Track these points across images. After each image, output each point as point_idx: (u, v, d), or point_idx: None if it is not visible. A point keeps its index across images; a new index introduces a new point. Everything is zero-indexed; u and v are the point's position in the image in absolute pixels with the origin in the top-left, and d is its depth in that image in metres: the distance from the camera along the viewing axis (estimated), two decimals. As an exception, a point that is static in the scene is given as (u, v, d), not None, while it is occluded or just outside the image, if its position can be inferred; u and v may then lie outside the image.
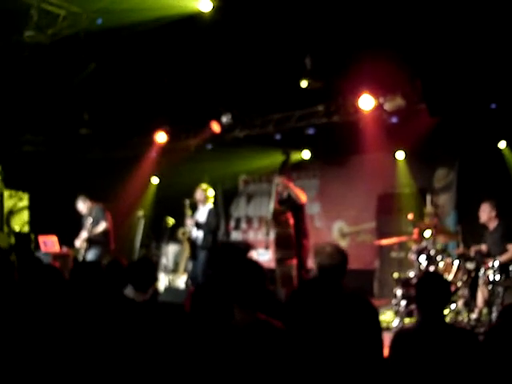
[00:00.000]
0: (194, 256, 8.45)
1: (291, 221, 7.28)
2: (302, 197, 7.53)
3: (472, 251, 7.39)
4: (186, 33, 7.48)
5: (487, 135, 8.37)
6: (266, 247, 7.25)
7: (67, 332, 3.22)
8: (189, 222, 8.51)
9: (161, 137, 11.01)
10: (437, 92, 7.52)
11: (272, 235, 7.28)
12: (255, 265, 3.22)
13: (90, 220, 8.77)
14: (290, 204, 7.47)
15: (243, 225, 12.10)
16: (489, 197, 7.53)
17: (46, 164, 11.16)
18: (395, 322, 7.30)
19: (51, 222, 10.15)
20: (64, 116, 10.22)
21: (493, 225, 7.33)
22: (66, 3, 7.32)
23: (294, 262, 7.08)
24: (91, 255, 8.76)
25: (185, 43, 7.74)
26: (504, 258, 6.98)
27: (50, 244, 9.43)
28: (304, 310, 3.30)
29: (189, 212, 8.58)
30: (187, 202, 8.62)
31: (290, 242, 7.21)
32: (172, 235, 9.59)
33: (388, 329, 7.13)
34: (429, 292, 3.32)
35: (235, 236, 12.08)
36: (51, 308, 3.39)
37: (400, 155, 9.58)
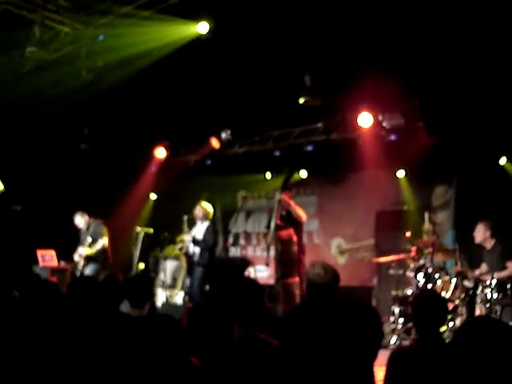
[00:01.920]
0: (190, 272, 8.46)
1: (295, 238, 7.25)
2: (303, 215, 7.54)
3: (469, 274, 7.36)
4: (187, 49, 7.54)
5: (486, 152, 8.39)
6: (267, 264, 7.18)
7: (62, 347, 3.21)
8: (186, 237, 8.53)
9: (160, 152, 11.05)
10: (435, 111, 7.56)
11: (273, 252, 7.23)
12: (253, 283, 3.22)
13: (88, 238, 8.78)
14: (290, 221, 7.46)
15: (242, 241, 12.09)
16: (487, 215, 7.55)
17: (46, 178, 11.17)
18: (393, 340, 7.28)
19: (50, 237, 10.14)
20: (64, 130, 10.25)
21: (489, 244, 7.33)
22: (69, 20, 7.39)
23: (297, 279, 7.04)
24: (89, 271, 8.77)
25: (186, 59, 7.80)
26: (502, 274, 6.97)
27: (48, 258, 9.42)
28: (297, 328, 3.31)
29: (186, 228, 8.61)
30: (185, 218, 8.66)
31: (293, 259, 7.16)
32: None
33: (385, 347, 7.12)
34: (425, 310, 3.32)
35: (233, 252, 12.06)
36: (48, 323, 3.38)
37: (401, 173, 9.59)
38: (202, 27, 7.09)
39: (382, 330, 2.78)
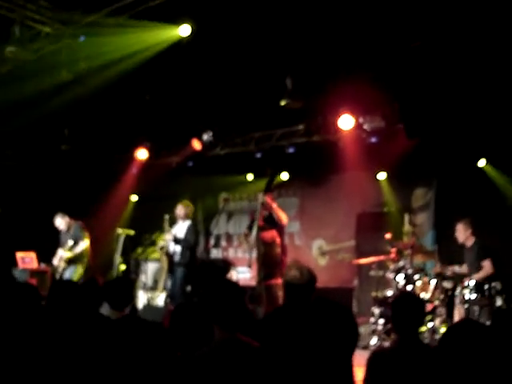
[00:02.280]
0: (171, 271, 8.42)
1: (278, 240, 7.26)
2: (284, 218, 7.57)
3: (449, 271, 7.47)
4: (169, 50, 7.53)
5: (465, 154, 8.50)
6: (249, 266, 7.18)
7: (42, 350, 3.19)
8: (167, 236, 8.50)
9: (142, 154, 11.00)
10: (414, 114, 7.66)
11: (255, 253, 7.23)
12: (234, 285, 3.23)
13: (69, 241, 8.72)
14: (272, 223, 7.49)
15: (223, 242, 12.10)
16: (466, 216, 7.65)
17: (26, 179, 11.07)
18: (373, 341, 7.34)
19: (30, 239, 10.06)
20: (45, 131, 10.17)
21: (470, 242, 7.43)
22: (50, 20, 7.34)
23: (280, 281, 7.05)
24: (69, 273, 8.70)
25: (167, 61, 7.78)
26: (479, 276, 7.07)
27: (27, 260, 9.35)
28: (275, 330, 3.33)
29: (167, 227, 8.58)
30: (167, 217, 8.63)
31: (276, 261, 7.18)
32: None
33: (366, 348, 7.18)
34: (403, 312, 3.37)
35: (215, 254, 12.06)
36: (27, 326, 3.36)
37: (381, 175, 9.66)
38: (184, 30, 7.10)
39: (356, 328, 2.81)
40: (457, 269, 7.49)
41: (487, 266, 7.13)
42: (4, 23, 7.07)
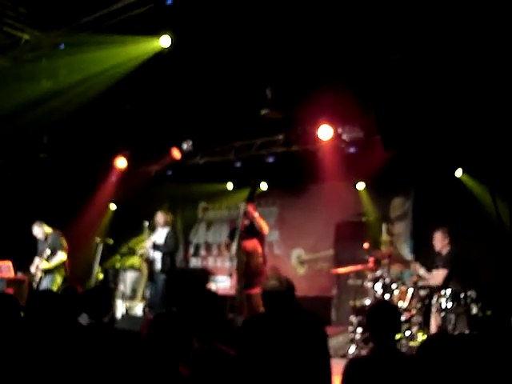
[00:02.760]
0: (151, 278, 8.38)
1: (260, 249, 7.28)
2: (265, 227, 7.60)
3: (424, 279, 7.53)
4: (149, 60, 7.54)
5: (442, 165, 8.63)
6: (230, 275, 7.18)
7: (21, 360, 3.17)
8: (146, 243, 8.48)
9: (121, 162, 10.96)
10: (391, 127, 7.76)
11: (235, 262, 7.24)
12: (215, 296, 3.25)
13: (47, 250, 8.62)
14: (252, 233, 7.51)
15: (202, 251, 12.08)
16: (442, 225, 7.75)
17: (3, 187, 10.94)
18: (351, 350, 7.38)
19: (7, 247, 9.94)
20: (23, 139, 10.08)
21: (445, 250, 7.53)
22: (29, 27, 7.31)
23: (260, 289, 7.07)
24: (46, 282, 8.61)
25: (147, 70, 7.79)
26: (437, 276, 7.14)
27: (4, 269, 9.22)
28: (253, 338, 3.35)
29: (147, 234, 8.57)
30: (146, 224, 8.63)
31: (257, 270, 7.19)
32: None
33: (344, 356, 7.22)
34: (379, 320, 3.42)
35: (194, 263, 12.04)
36: (5, 336, 3.34)
37: (360, 185, 9.75)
38: (164, 41, 7.16)
39: (324, 332, 2.85)
40: (426, 275, 7.55)
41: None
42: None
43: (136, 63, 7.48)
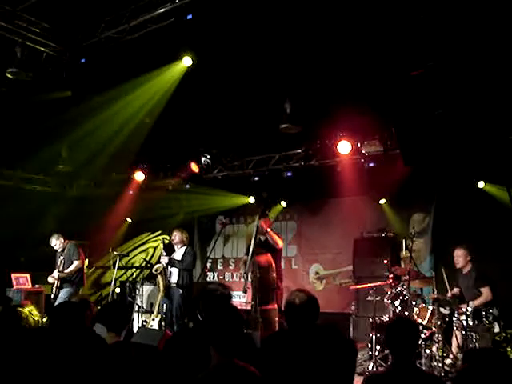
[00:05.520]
0: (167, 295, 8.38)
1: (273, 264, 7.22)
2: (279, 242, 7.54)
3: (443, 298, 7.44)
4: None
5: (462, 178, 8.51)
6: (245, 291, 7.10)
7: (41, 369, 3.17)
8: (163, 259, 8.49)
9: (139, 175, 11.01)
10: (411, 142, 7.69)
11: (251, 277, 7.17)
12: (236, 311, 3.21)
13: (63, 260, 8.69)
14: (267, 248, 7.45)
15: (219, 266, 12.03)
16: (462, 242, 7.65)
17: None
18: (370, 367, 7.26)
19: (25, 261, 10.06)
20: (43, 152, 10.17)
21: (467, 269, 7.44)
22: (51, 42, 7.39)
23: (275, 306, 6.99)
24: (63, 293, 8.64)
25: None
26: (478, 302, 7.05)
27: (22, 281, 9.32)
28: (277, 355, 3.29)
29: (163, 251, 8.59)
30: (163, 240, 8.66)
31: (271, 286, 7.11)
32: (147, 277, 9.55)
33: (362, 374, 7.09)
34: (398, 336, 3.36)
35: (210, 277, 11.99)
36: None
37: (383, 200, 9.63)
38: (187, 61, 7.32)
39: (355, 356, 2.80)
40: (449, 295, 7.48)
41: (486, 293, 7.13)
42: (4, 45, 7.12)
43: (170, 91, 7.87)
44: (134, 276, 11.20)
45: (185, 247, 8.54)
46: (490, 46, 6.17)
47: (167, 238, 8.76)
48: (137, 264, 11.82)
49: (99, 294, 11.47)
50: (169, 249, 8.68)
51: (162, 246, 8.65)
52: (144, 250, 12.12)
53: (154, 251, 12.02)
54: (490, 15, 5.89)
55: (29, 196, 11.12)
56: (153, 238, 11.89)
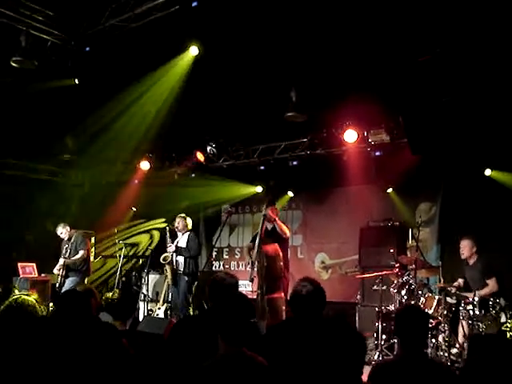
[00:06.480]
0: (174, 283, 8.42)
1: (281, 253, 7.19)
2: (287, 231, 7.53)
3: (452, 287, 7.41)
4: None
5: (470, 168, 8.43)
6: (251, 279, 7.09)
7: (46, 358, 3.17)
8: (169, 248, 8.51)
9: (144, 164, 11.00)
10: (419, 131, 7.63)
11: (257, 266, 7.15)
12: (245, 299, 3.19)
13: (69, 249, 8.73)
14: (274, 237, 7.43)
15: (225, 255, 12.03)
16: (470, 232, 7.60)
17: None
18: (376, 356, 7.26)
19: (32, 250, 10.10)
20: (48, 141, 10.15)
21: (473, 260, 7.41)
22: (55, 30, 7.36)
23: (282, 294, 6.99)
24: (69, 282, 8.67)
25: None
26: (483, 292, 7.03)
27: (28, 270, 9.38)
28: (283, 345, 3.28)
29: (169, 239, 8.62)
30: (167, 228, 8.68)
31: (278, 275, 7.10)
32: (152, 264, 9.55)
33: (368, 363, 7.09)
34: (407, 324, 3.33)
35: (216, 266, 12.00)
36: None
37: (390, 189, 9.55)
38: (193, 50, 7.35)
39: (363, 356, 2.78)
40: (455, 286, 7.45)
41: (492, 284, 7.10)
42: (8, 33, 7.08)
43: (178, 84, 7.99)
44: (140, 263, 11.22)
45: (188, 233, 8.57)
46: (498, 31, 6.10)
47: (171, 225, 8.78)
48: (141, 246, 11.83)
49: (105, 283, 11.48)
50: (173, 236, 8.70)
51: (168, 234, 8.66)
52: (148, 232, 12.15)
53: (161, 236, 12.02)
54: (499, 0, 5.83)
55: (36, 186, 11.13)
56: (157, 223, 11.91)
